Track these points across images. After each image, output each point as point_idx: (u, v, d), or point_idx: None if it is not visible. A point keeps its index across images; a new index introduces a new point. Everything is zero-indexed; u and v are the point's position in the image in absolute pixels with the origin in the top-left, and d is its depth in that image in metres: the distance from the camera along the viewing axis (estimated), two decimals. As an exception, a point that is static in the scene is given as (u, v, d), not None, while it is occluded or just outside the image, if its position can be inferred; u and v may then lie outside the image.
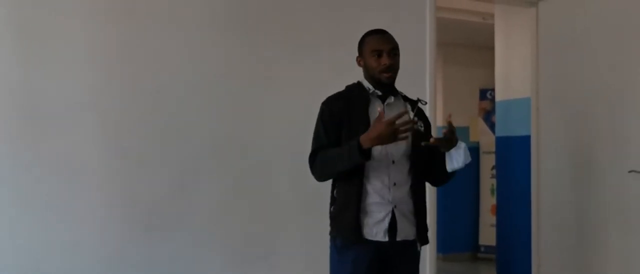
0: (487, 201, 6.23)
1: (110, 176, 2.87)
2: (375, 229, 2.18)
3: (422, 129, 2.30)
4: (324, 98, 2.32)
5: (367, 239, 2.18)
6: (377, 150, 2.18)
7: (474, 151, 6.37)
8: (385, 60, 2.23)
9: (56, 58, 2.80)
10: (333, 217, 2.25)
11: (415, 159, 2.25)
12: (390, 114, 2.23)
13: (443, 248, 5.78)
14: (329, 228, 2.29)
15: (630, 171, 3.35)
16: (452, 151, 2.21)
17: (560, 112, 3.87)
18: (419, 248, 2.30)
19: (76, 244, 2.80)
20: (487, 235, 6.14)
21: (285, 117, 3.18)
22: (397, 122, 2.07)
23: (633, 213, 3.37)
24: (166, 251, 2.96)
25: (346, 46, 3.39)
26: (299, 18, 3.28)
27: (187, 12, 3.05)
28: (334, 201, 2.26)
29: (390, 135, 2.06)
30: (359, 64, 2.33)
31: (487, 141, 6.19)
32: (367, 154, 2.11)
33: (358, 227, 2.16)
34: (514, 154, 4.44)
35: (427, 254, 3.56)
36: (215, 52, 3.10)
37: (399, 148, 2.21)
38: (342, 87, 2.36)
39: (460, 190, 6.22)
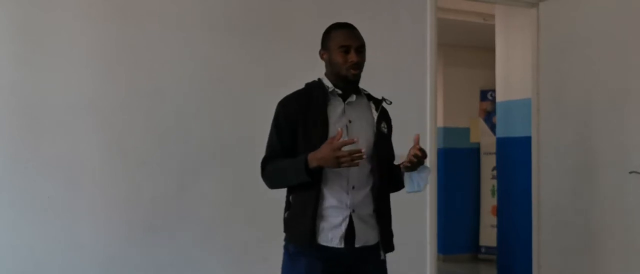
0: (488, 201, 6.22)
1: (110, 176, 2.87)
2: (330, 234, 2.04)
3: (386, 130, 2.19)
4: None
5: (321, 245, 2.03)
6: None
7: (475, 152, 6.37)
8: (353, 57, 2.09)
9: (56, 59, 2.79)
10: (287, 222, 2.12)
11: (377, 161, 2.12)
12: (352, 114, 2.13)
13: (443, 249, 5.78)
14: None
15: (631, 172, 3.35)
16: (414, 173, 2.08)
17: (560, 113, 3.86)
18: (382, 256, 2.12)
19: (76, 245, 2.80)
20: (488, 236, 6.14)
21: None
22: (345, 150, 1.93)
23: (634, 214, 3.37)
24: (166, 252, 2.96)
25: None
26: (298, 18, 3.28)
27: (187, 13, 3.05)
28: (289, 206, 2.12)
29: (334, 160, 1.93)
30: (322, 58, 2.19)
31: (487, 141, 6.19)
32: (312, 174, 1.99)
33: (312, 232, 2.02)
34: (515, 155, 4.44)
35: (428, 255, 3.56)
36: (215, 53, 3.09)
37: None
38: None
39: (461, 191, 6.22)
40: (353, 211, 2.06)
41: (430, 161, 3.55)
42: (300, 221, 2.04)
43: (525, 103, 4.21)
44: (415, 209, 3.55)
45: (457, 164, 6.19)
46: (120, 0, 2.93)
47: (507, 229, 4.60)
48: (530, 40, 4.10)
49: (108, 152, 2.87)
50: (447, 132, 6.18)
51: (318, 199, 2.04)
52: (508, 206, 4.57)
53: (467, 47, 6.17)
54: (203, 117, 3.06)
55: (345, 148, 1.95)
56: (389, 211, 2.18)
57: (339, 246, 2.04)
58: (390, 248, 2.16)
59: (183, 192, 3.00)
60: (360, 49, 2.12)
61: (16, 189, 2.73)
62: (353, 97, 2.15)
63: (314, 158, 1.97)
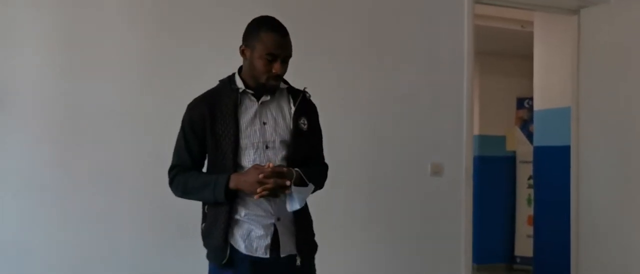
0: (524, 211, 6.12)
1: (148, 185, 2.86)
2: (255, 244, 1.93)
3: (305, 126, 1.99)
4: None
5: (245, 256, 1.92)
6: (252, 156, 1.93)
7: (511, 160, 6.28)
8: (277, 68, 1.91)
9: (97, 69, 2.84)
10: (204, 236, 2.00)
11: (293, 163, 1.94)
12: (266, 115, 1.97)
13: (478, 258, 5.71)
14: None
15: (675, 184, 3.26)
16: (294, 191, 1.90)
17: (601, 122, 3.78)
18: (297, 262, 1.96)
19: (115, 254, 2.83)
20: (524, 246, 6.03)
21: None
22: (266, 178, 1.81)
23: (678, 228, 3.27)
24: (205, 260, 2.98)
25: (383, 54, 3.40)
26: (332, 23, 3.27)
27: (222, 24, 3.00)
28: (204, 217, 2.01)
29: (253, 189, 1.84)
30: (243, 54, 1.98)
31: (524, 150, 6.10)
32: (231, 196, 1.90)
33: (232, 245, 1.93)
34: (553, 165, 4.36)
35: (462, 264, 3.52)
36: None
37: (277, 152, 1.95)
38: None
39: (496, 200, 6.14)
40: (278, 219, 1.95)
41: (466, 169, 3.53)
42: (217, 235, 1.93)
43: (564, 112, 4.13)
44: (450, 218, 3.52)
45: (493, 173, 6.12)
46: (157, 12, 2.96)
47: (544, 240, 4.52)
48: (570, 48, 4.02)
49: (146, 162, 2.86)
50: (483, 140, 6.12)
51: (237, 207, 1.93)
52: (545, 217, 4.49)
53: (503, 55, 6.10)
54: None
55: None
56: (308, 213, 2.04)
57: (264, 256, 1.93)
58: (310, 252, 2.03)
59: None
60: (287, 59, 1.95)
61: (58, 198, 2.77)
62: (267, 97, 1.97)
63: (238, 181, 1.87)
